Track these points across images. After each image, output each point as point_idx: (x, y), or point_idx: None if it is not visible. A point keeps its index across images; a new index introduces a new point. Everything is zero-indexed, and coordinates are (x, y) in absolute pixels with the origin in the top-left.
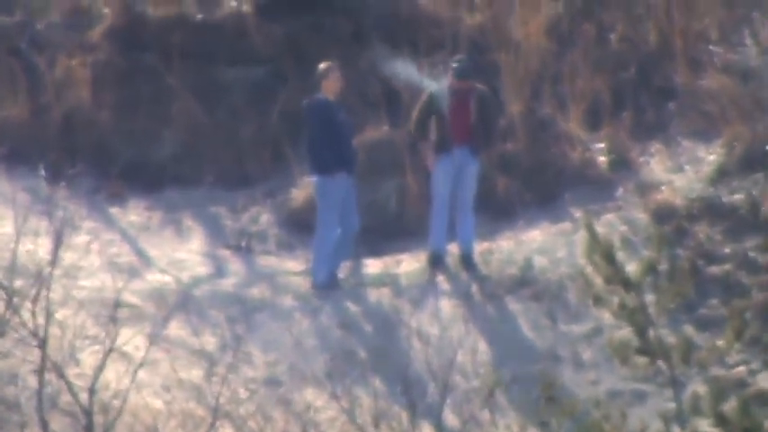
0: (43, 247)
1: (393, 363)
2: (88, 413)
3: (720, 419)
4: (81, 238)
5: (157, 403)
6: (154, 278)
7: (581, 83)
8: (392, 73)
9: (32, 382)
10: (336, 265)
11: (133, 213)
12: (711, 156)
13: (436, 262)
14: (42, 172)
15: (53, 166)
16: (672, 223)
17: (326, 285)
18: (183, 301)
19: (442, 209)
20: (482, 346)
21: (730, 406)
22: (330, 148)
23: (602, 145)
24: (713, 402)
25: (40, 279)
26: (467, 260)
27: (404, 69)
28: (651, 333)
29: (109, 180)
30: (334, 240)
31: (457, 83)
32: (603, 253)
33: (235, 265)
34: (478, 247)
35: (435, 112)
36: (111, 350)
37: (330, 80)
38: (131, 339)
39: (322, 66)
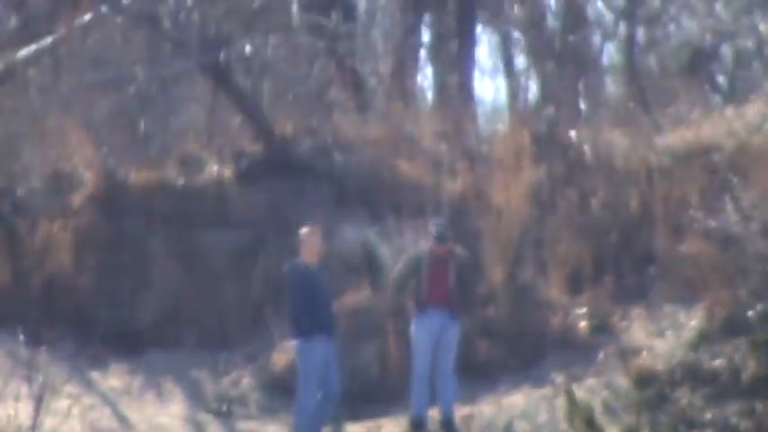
0: (24, 412)
1: None
2: None
3: None
4: (62, 403)
5: None
6: None
7: (562, 248)
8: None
9: None
10: (317, 429)
11: (114, 377)
12: (693, 321)
13: (418, 427)
14: (22, 336)
15: (34, 330)
16: (653, 388)
17: None
18: None
19: (422, 372)
20: None
21: None
22: (309, 313)
23: (583, 309)
24: None
25: None
26: (448, 425)
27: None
28: None
29: (90, 344)
30: (314, 405)
31: (436, 247)
32: (584, 418)
33: (215, 430)
34: (459, 412)
35: (414, 274)
36: None
37: (310, 244)
38: None
39: (303, 230)
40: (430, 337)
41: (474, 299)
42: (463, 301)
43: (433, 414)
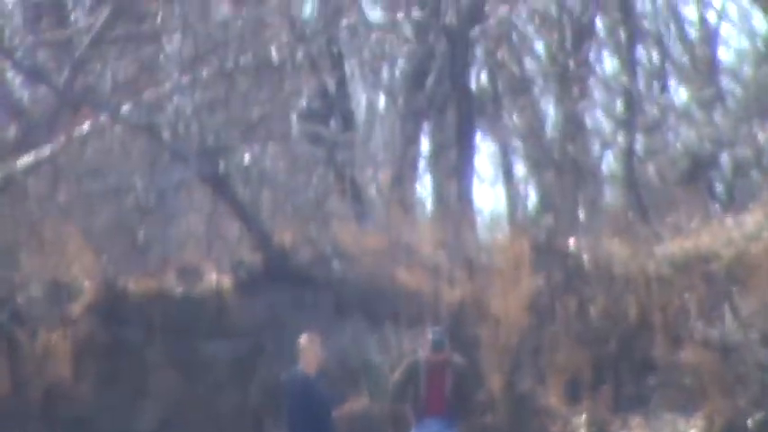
0: None
1: None
2: None
3: None
4: None
5: None
6: None
7: (561, 356)
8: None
9: None
10: None
11: None
12: (692, 429)
13: None
14: None
15: None
16: None
17: None
18: None
19: None
20: None
21: None
22: (308, 423)
23: (582, 418)
24: None
25: None
26: None
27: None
28: None
29: None
30: None
31: (433, 355)
32: None
33: None
34: None
35: (412, 382)
36: None
37: (309, 354)
38: None
39: (302, 339)
40: None
41: (472, 407)
42: (460, 410)
43: None
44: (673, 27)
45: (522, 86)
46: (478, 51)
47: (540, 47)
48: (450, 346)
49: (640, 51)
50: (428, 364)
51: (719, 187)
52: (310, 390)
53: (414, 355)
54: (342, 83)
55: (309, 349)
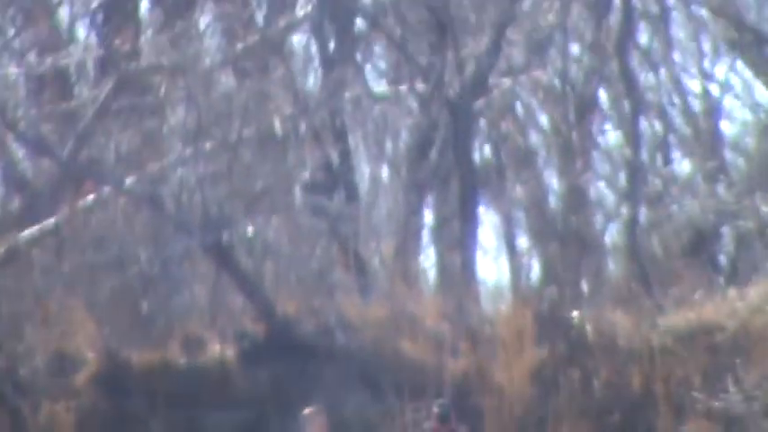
0: None
1: None
2: None
3: None
4: None
5: None
6: None
7: (565, 427)
8: None
9: None
10: None
11: None
12: None
13: None
14: None
15: None
16: None
17: None
18: None
19: None
20: None
21: None
22: None
23: None
24: None
25: None
26: None
27: None
28: None
29: None
30: None
31: (439, 426)
32: None
33: None
34: None
35: None
36: None
37: (314, 426)
38: None
39: (306, 412)
40: None
41: None
42: None
43: None
44: (676, 99)
45: (525, 158)
46: (482, 123)
47: (543, 119)
48: (456, 418)
49: (643, 123)
50: None
51: (723, 260)
52: None
53: (420, 428)
54: (345, 155)
55: (315, 421)
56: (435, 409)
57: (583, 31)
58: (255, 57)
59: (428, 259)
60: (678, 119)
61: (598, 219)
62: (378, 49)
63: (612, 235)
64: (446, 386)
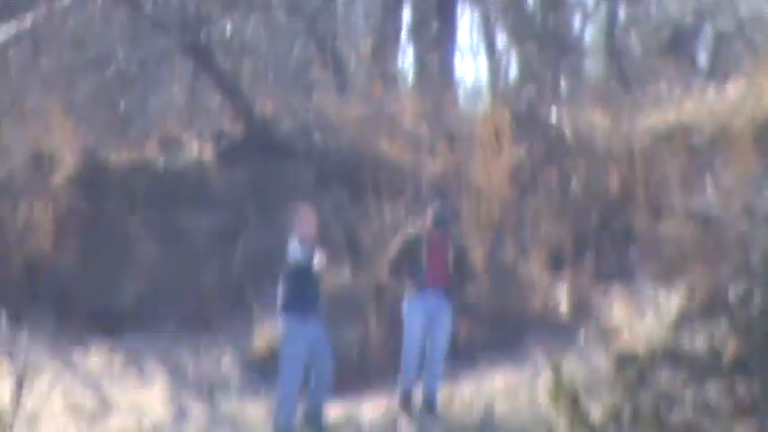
0: (5, 391)
1: None
2: None
3: None
4: (43, 382)
5: None
6: (115, 423)
7: (543, 228)
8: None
9: None
10: (319, 404)
11: (95, 357)
12: (673, 301)
13: (407, 401)
14: (3, 317)
15: (15, 310)
16: (634, 369)
17: (282, 426)
18: None
19: (413, 350)
20: None
21: None
22: (302, 295)
23: (563, 289)
24: None
25: (2, 425)
26: (430, 407)
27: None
28: None
29: (71, 324)
30: (294, 384)
31: (434, 229)
32: (569, 398)
33: (197, 410)
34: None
35: (410, 255)
36: None
37: (304, 222)
38: None
39: (296, 207)
40: (424, 317)
41: (469, 281)
42: (459, 283)
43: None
44: None
45: None
46: None
47: None
48: (452, 221)
49: None
50: (429, 239)
51: (702, 58)
52: (309, 261)
53: (412, 229)
54: None
55: (308, 219)
56: (431, 212)
57: None
58: None
59: (406, 59)
60: None
61: (576, 17)
62: None
63: (591, 34)
64: (423, 186)
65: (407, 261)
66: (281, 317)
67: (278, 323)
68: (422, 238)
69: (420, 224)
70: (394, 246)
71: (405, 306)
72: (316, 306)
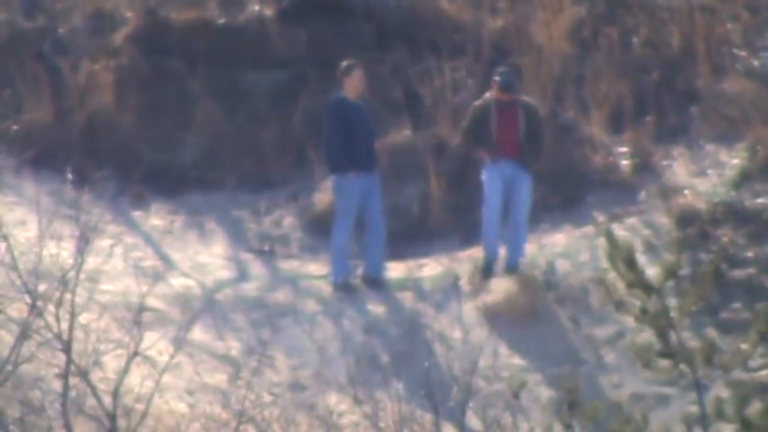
0: (67, 251)
1: (416, 367)
2: (112, 417)
3: (746, 424)
4: (105, 242)
5: (181, 407)
6: (177, 282)
7: (604, 87)
8: None
9: (56, 385)
10: (375, 265)
11: (156, 217)
12: (734, 159)
13: (489, 270)
14: (69, 175)
15: (77, 169)
16: (694, 227)
17: (339, 284)
18: (207, 306)
19: (494, 218)
20: (504, 350)
21: (755, 410)
22: (345, 148)
23: (624, 149)
24: (738, 407)
25: (64, 283)
26: (514, 271)
27: None
28: (673, 337)
29: (132, 184)
30: (346, 240)
31: (502, 95)
32: (625, 257)
33: (257, 269)
34: (502, 251)
35: (482, 125)
36: (135, 354)
37: (352, 78)
38: (155, 344)
39: (344, 63)
40: (501, 184)
41: (543, 147)
42: (535, 150)
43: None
44: None
45: None
46: None
47: None
48: (519, 87)
49: None
50: (498, 107)
51: None
52: (351, 114)
53: (482, 98)
54: None
55: (351, 74)
56: (497, 78)
57: None
58: None
59: None
60: None
61: None
62: None
63: None
64: (484, 45)
65: (479, 131)
66: (330, 170)
67: (331, 177)
68: (492, 107)
69: (489, 93)
70: (468, 115)
71: (483, 176)
72: (367, 160)
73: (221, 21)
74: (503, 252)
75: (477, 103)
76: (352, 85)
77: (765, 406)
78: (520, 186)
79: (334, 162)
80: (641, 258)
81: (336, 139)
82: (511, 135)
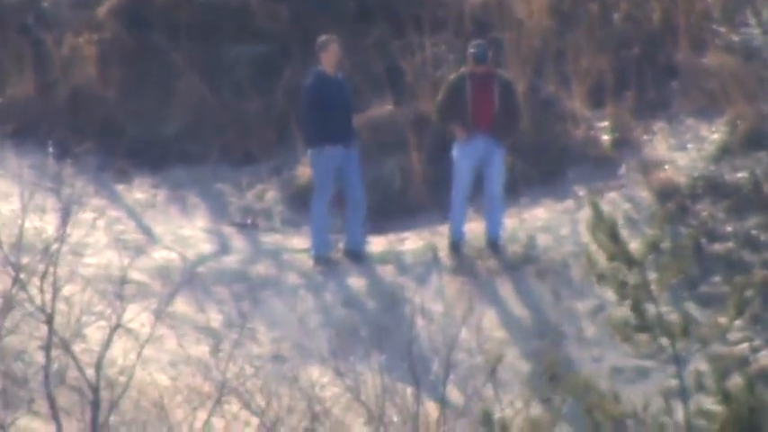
0: (50, 224)
1: (397, 340)
2: (95, 389)
3: (725, 397)
4: (87, 215)
5: (163, 379)
6: (159, 255)
7: (584, 61)
8: None
9: (39, 357)
10: (356, 239)
11: (139, 191)
12: (714, 134)
13: (457, 245)
14: (51, 149)
15: (60, 143)
16: (674, 201)
17: (320, 258)
18: (189, 278)
19: (462, 196)
20: (485, 323)
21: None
22: (318, 121)
23: (605, 123)
24: (717, 380)
25: (47, 255)
26: (494, 246)
27: None
28: (653, 310)
29: (115, 157)
30: (324, 212)
31: (476, 68)
32: (607, 231)
33: (239, 243)
34: (480, 227)
35: (457, 98)
36: (117, 326)
37: (328, 53)
38: (137, 316)
39: (321, 38)
40: (473, 161)
41: (518, 121)
42: (510, 124)
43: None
44: None
45: None
46: None
47: None
48: (493, 60)
49: None
50: (473, 79)
51: None
52: (328, 88)
53: (456, 72)
54: None
55: (327, 48)
56: (470, 51)
57: None
58: None
59: None
60: None
61: None
62: None
63: None
64: (465, 20)
65: (454, 104)
66: (307, 142)
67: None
68: (466, 79)
69: (464, 68)
70: (443, 88)
71: (454, 152)
72: (344, 134)
73: None
74: (480, 228)
75: (452, 76)
76: (329, 60)
77: (746, 379)
78: (493, 160)
79: (309, 135)
80: (622, 232)
81: (312, 113)
82: (486, 108)
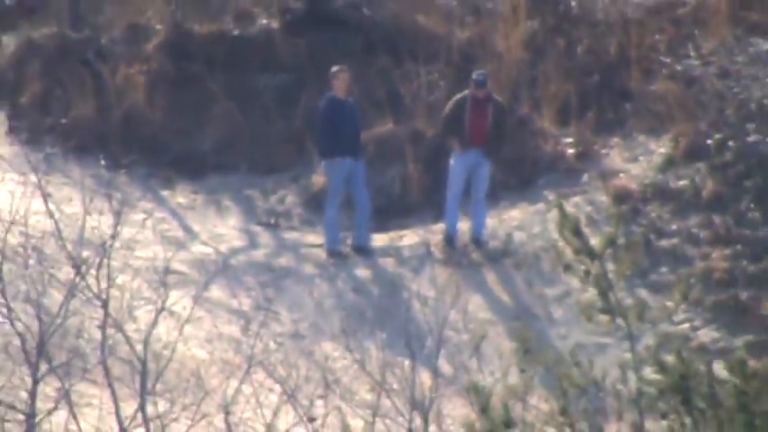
0: (106, 224)
1: (397, 320)
2: (143, 361)
3: (661, 367)
4: (137, 216)
5: (201, 353)
6: (197, 249)
7: (553, 87)
8: None
9: (97, 335)
10: (362, 235)
11: (181, 196)
12: (661, 148)
13: (450, 240)
14: (102, 161)
15: (114, 156)
16: (628, 204)
17: (331, 252)
18: (222, 269)
19: (455, 200)
20: (471, 306)
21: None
22: (333, 136)
23: (570, 139)
24: (656, 353)
25: (103, 250)
26: (477, 242)
27: None
28: (611, 295)
29: (161, 168)
30: (335, 214)
31: (477, 91)
32: (572, 228)
33: (265, 239)
34: (466, 225)
35: (459, 116)
36: (162, 309)
37: (338, 80)
38: (179, 300)
39: (333, 68)
40: (465, 169)
41: (506, 137)
42: (498, 141)
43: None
44: None
45: None
46: None
47: None
48: (491, 86)
49: None
50: (472, 101)
51: None
52: (339, 108)
53: (460, 94)
54: None
55: (340, 76)
56: (474, 77)
57: None
58: None
59: None
60: None
61: None
62: None
63: None
64: (454, 52)
65: (455, 121)
66: (320, 155)
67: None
68: (468, 100)
69: (467, 90)
70: (448, 108)
71: (451, 162)
72: (352, 148)
73: (236, 32)
74: (467, 226)
75: (458, 96)
76: (340, 86)
77: (678, 353)
78: (480, 170)
79: (322, 148)
80: (585, 230)
81: (324, 130)
82: (480, 125)
